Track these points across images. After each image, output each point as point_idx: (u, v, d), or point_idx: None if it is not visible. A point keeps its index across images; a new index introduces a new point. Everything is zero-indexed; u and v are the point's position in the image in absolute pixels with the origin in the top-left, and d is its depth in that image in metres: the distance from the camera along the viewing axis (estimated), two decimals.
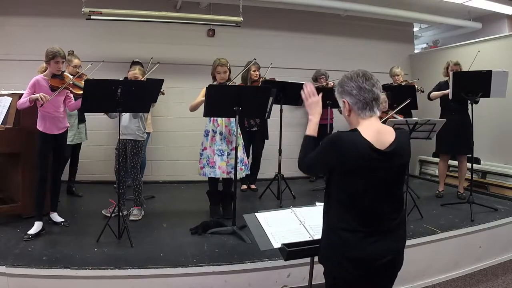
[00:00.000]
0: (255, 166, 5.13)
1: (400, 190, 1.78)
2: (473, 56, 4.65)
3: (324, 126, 5.06)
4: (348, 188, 1.67)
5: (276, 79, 4.79)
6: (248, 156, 4.38)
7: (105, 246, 3.08)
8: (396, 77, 5.29)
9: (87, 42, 5.13)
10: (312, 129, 1.88)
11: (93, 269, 2.68)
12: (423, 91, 4.95)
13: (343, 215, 1.67)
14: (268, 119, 4.53)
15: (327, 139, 1.69)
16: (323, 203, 1.85)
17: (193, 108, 3.87)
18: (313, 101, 1.92)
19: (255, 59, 4.80)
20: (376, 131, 1.67)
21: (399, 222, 1.74)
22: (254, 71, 4.84)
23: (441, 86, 4.76)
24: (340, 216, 1.68)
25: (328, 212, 1.76)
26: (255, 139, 5.07)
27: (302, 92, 1.95)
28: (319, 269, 2.97)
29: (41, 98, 3.14)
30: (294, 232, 2.12)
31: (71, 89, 3.42)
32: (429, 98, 4.88)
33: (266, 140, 5.17)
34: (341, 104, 1.77)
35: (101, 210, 3.88)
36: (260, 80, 4.80)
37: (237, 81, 4.31)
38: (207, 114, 3.60)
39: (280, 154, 4.67)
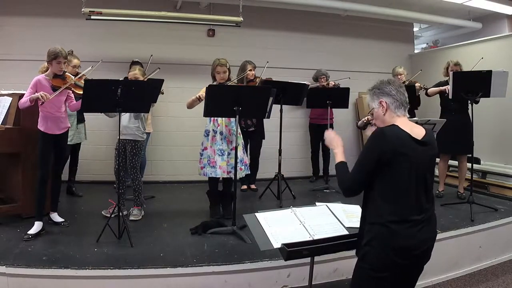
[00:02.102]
0: (253, 166, 5.12)
1: (432, 181, 1.94)
2: (473, 56, 4.64)
3: (324, 126, 5.02)
4: (393, 179, 1.81)
5: (273, 79, 4.77)
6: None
7: (105, 246, 3.08)
8: (399, 77, 5.27)
9: (87, 42, 5.13)
10: (339, 158, 2.05)
11: (93, 269, 2.68)
12: (426, 89, 4.92)
13: (389, 209, 1.81)
14: (264, 119, 4.52)
15: (371, 137, 1.88)
16: (323, 203, 1.86)
17: (190, 105, 3.84)
18: (330, 138, 2.14)
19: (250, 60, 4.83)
20: (410, 126, 1.89)
21: (432, 213, 1.92)
22: (250, 70, 4.82)
23: (441, 85, 4.75)
24: (387, 210, 1.81)
25: (372, 208, 1.88)
26: (252, 139, 5.07)
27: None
28: (319, 269, 2.99)
29: (41, 96, 3.13)
30: (294, 232, 2.11)
31: (73, 89, 3.42)
32: (427, 94, 4.88)
33: (263, 140, 5.17)
34: (375, 104, 1.96)
35: (101, 210, 3.88)
36: (256, 80, 4.79)
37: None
38: (207, 114, 3.59)
39: (280, 154, 4.67)
